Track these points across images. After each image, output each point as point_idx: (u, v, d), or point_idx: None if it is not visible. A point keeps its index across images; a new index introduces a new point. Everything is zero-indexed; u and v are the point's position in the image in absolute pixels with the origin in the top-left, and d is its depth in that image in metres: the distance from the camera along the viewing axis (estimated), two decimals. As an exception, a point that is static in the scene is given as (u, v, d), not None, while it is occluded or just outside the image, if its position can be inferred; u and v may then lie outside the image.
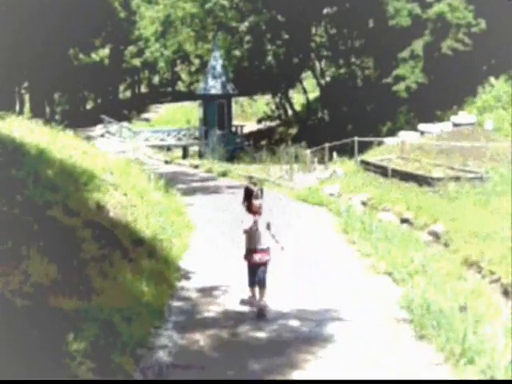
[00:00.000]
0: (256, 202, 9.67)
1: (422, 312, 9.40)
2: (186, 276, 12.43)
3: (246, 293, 10.35)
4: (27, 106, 67.12)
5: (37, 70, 48.47)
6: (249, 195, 9.72)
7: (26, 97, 69.23)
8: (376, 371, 7.76)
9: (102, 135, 51.88)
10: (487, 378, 7.41)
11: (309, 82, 58.53)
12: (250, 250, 9.86)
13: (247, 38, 50.90)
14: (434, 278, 11.49)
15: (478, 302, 10.19)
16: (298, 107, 57.76)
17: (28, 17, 43.04)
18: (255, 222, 9.73)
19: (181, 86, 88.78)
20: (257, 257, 9.82)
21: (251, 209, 9.73)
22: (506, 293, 11.65)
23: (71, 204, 10.87)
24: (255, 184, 10.04)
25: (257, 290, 9.98)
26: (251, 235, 9.80)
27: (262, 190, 9.79)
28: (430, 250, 14.47)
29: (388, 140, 32.55)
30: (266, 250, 9.85)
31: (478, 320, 9.00)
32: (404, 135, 31.55)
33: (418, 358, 8.23)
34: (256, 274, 9.85)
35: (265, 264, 9.89)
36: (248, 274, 10.02)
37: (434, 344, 8.51)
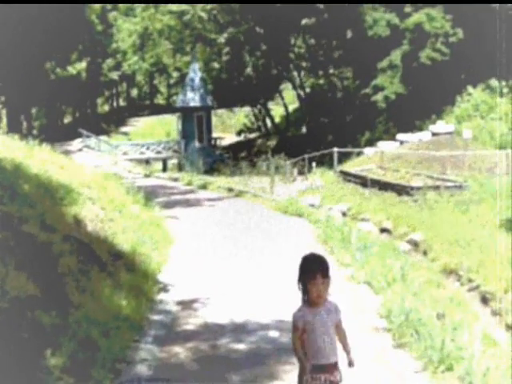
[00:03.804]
0: (318, 286, 5.97)
1: (401, 321, 9.42)
2: (165, 289, 12.40)
3: (225, 305, 10.26)
4: (4, 120, 66.78)
5: (13, 84, 48.15)
6: (306, 272, 6.13)
7: (3, 112, 68.84)
8: (356, 380, 7.75)
9: (81, 149, 51.64)
10: (466, 384, 7.46)
11: (288, 93, 58.66)
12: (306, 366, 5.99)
13: (226, 49, 50.86)
14: (412, 287, 11.53)
15: (457, 310, 10.25)
16: (277, 119, 57.86)
17: (3, 31, 42.84)
18: (315, 317, 5.98)
19: (159, 99, 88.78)
20: (322, 378, 5.95)
21: (310, 296, 6.05)
22: (484, 300, 11.74)
23: (48, 219, 10.82)
24: (317, 257, 6.24)
25: None
26: (308, 338, 5.97)
27: (327, 267, 6.05)
28: (409, 258, 14.52)
29: (367, 150, 32.66)
30: (333, 366, 6.02)
31: (457, 327, 9.05)
32: (383, 145, 31.70)
33: (397, 366, 8.25)
34: None
35: None
36: None
37: (413, 352, 8.55)
